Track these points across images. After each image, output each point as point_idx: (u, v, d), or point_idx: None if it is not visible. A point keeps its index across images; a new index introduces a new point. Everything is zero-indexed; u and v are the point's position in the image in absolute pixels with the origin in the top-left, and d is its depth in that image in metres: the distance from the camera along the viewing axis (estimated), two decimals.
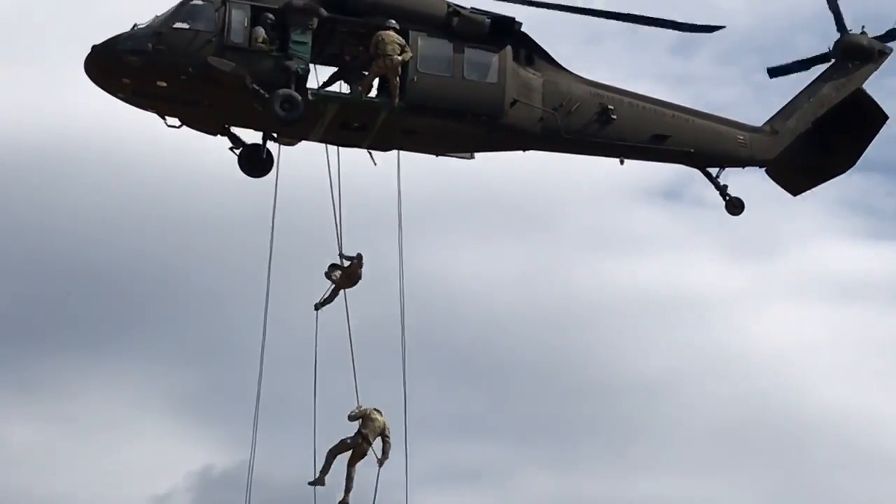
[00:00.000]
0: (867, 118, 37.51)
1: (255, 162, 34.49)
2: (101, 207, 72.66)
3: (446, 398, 79.76)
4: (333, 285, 34.23)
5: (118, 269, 76.14)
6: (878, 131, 37.49)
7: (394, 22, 33.11)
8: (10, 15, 70.37)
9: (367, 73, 33.64)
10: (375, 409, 33.44)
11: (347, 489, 33.15)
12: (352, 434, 33.21)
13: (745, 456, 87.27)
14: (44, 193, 75.26)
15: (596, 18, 36.15)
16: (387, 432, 33.42)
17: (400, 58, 32.93)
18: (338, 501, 32.89)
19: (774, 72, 39.02)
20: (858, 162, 37.47)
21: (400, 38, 33.11)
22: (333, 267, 34.26)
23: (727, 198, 37.32)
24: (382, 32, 33.02)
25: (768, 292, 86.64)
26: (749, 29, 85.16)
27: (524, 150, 35.65)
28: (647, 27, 35.85)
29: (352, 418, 33.20)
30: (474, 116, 34.20)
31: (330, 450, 33.14)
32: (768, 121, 37.75)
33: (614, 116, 35.52)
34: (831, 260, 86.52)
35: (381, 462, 33.07)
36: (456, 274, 77.84)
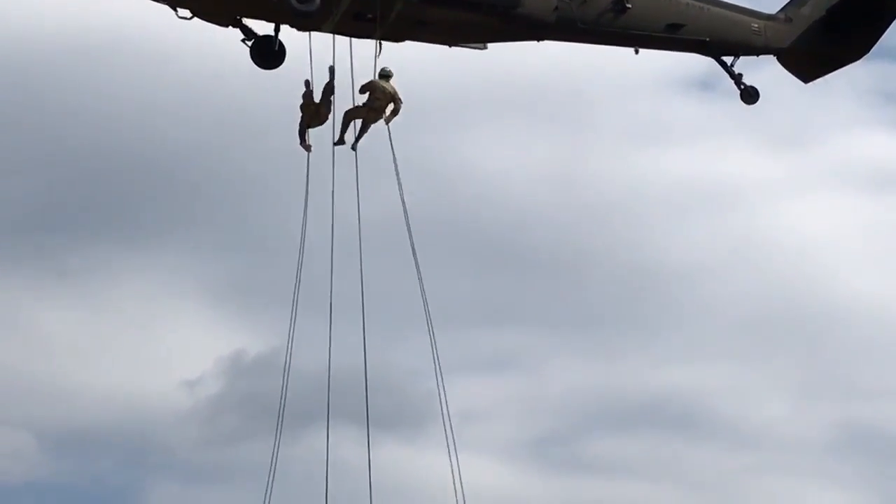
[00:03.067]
0: (881, 6, 37.42)
1: (267, 53, 34.48)
2: (137, 100, 72.86)
3: (479, 287, 79.93)
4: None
5: (157, 163, 76.40)
6: (893, 20, 37.41)
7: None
8: None
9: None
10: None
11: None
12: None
13: (775, 344, 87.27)
14: (82, 87, 75.52)
15: None
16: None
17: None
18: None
19: None
20: (886, 50, 37.33)
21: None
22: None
23: (742, 86, 37.33)
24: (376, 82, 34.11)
25: (802, 183, 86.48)
26: None
27: (539, 40, 35.56)
28: None
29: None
30: (489, 6, 34.06)
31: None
32: (782, 8, 37.67)
33: (629, 5, 35.44)
34: (865, 150, 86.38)
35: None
36: (490, 167, 77.92)
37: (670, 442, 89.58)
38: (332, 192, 33.77)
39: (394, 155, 34.41)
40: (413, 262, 34.35)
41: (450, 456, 31.46)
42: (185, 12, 33.39)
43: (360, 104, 34.25)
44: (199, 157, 76.45)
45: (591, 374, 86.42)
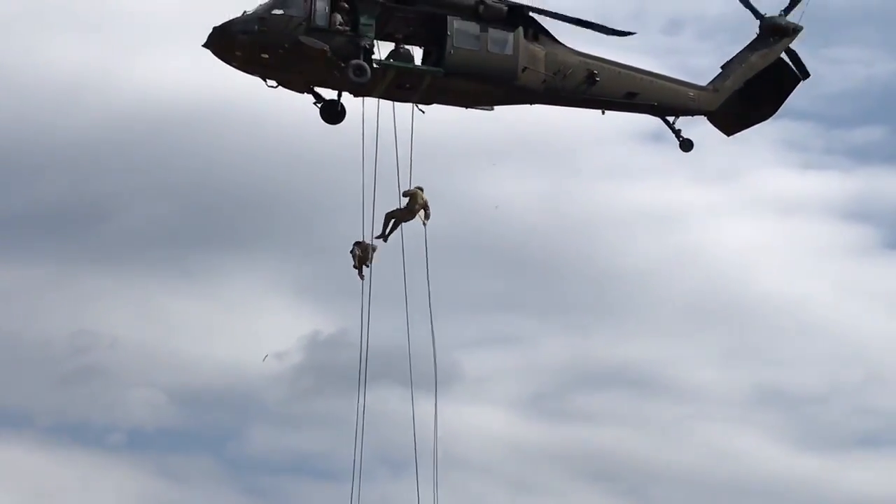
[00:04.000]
0: (784, 80, 37.36)
1: (332, 113, 34.52)
2: (242, 147, 73.27)
3: (489, 284, 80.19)
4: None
5: (256, 193, 76.89)
6: (792, 89, 37.38)
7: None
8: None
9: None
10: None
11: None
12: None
13: (708, 326, 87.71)
14: (203, 137, 76.13)
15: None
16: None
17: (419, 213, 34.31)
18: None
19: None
20: (791, 111, 37.28)
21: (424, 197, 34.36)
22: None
23: (680, 139, 37.14)
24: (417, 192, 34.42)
25: (728, 208, 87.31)
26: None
27: (531, 104, 35.54)
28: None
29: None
30: (495, 79, 34.05)
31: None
32: (710, 82, 37.44)
33: (598, 79, 35.35)
34: (774, 185, 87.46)
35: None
36: (496, 196, 78.50)
37: (631, 398, 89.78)
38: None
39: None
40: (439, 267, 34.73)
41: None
42: (272, 83, 33.53)
43: (401, 207, 34.43)
44: (286, 189, 76.75)
45: (573, 348, 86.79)
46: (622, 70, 35.97)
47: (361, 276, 33.57)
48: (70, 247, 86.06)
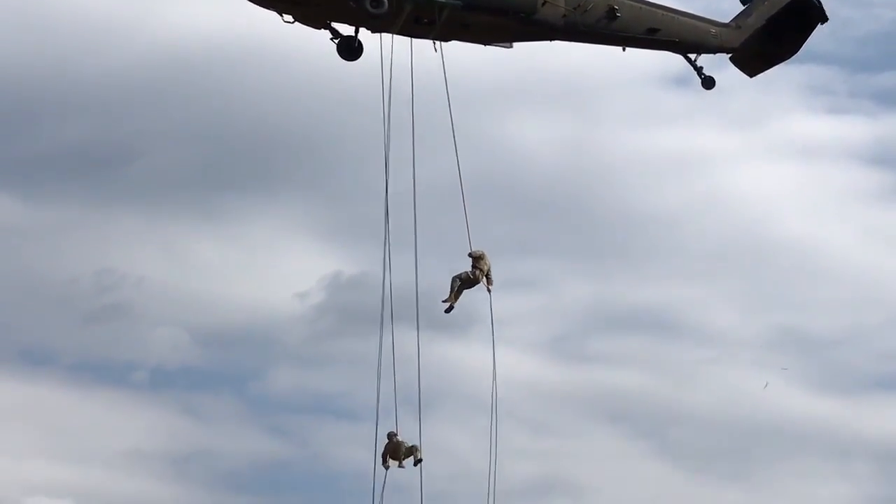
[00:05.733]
0: (807, 17, 36.76)
1: (350, 49, 33.97)
2: (264, 88, 73.02)
3: (512, 227, 79.88)
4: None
5: (281, 136, 76.77)
6: (815, 27, 36.82)
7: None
8: None
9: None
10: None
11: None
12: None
13: (729, 270, 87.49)
14: (227, 79, 75.88)
15: None
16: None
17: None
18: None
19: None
20: (816, 55, 36.62)
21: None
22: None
23: (702, 76, 36.62)
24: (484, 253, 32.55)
25: (752, 153, 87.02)
26: None
27: (550, 40, 34.98)
28: None
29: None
30: (514, 12, 33.47)
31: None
32: (733, 19, 36.91)
33: (619, 14, 34.76)
34: (798, 129, 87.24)
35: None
36: (522, 140, 78.27)
37: (652, 341, 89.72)
38: (413, 161, 33.44)
39: (452, 127, 33.85)
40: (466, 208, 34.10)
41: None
42: (289, 18, 33.10)
43: (469, 270, 32.39)
44: (310, 131, 76.68)
45: (594, 292, 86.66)
46: (643, 6, 35.43)
47: (385, 466, 29.48)
48: (95, 188, 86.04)
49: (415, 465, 28.74)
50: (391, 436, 28.53)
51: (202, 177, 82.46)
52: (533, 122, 78.93)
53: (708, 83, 36.73)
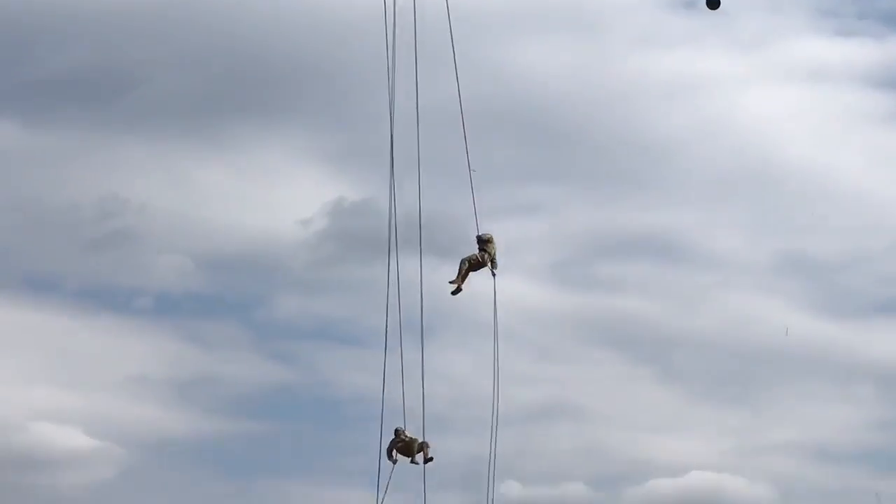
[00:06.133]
0: None
1: None
2: (267, 12, 72.76)
3: (516, 152, 79.70)
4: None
5: (283, 60, 76.92)
6: None
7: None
8: None
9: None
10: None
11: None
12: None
13: (734, 194, 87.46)
14: (228, 5, 75.68)
15: None
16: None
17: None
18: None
19: None
20: None
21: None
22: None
23: None
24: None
25: (760, 76, 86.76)
26: None
27: None
28: None
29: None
30: None
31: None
32: None
33: None
34: (807, 52, 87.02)
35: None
36: (527, 63, 77.98)
37: (656, 266, 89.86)
38: (416, 84, 32.13)
39: (454, 50, 33.20)
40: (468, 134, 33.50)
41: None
42: None
43: (477, 253, 30.58)
44: (313, 57, 76.40)
45: (598, 216, 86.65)
46: None
47: (392, 461, 28.36)
48: (98, 113, 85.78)
49: (424, 462, 28.11)
50: (398, 432, 27.90)
51: (206, 103, 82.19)
52: (538, 47, 78.51)
53: (712, 4, 36.14)
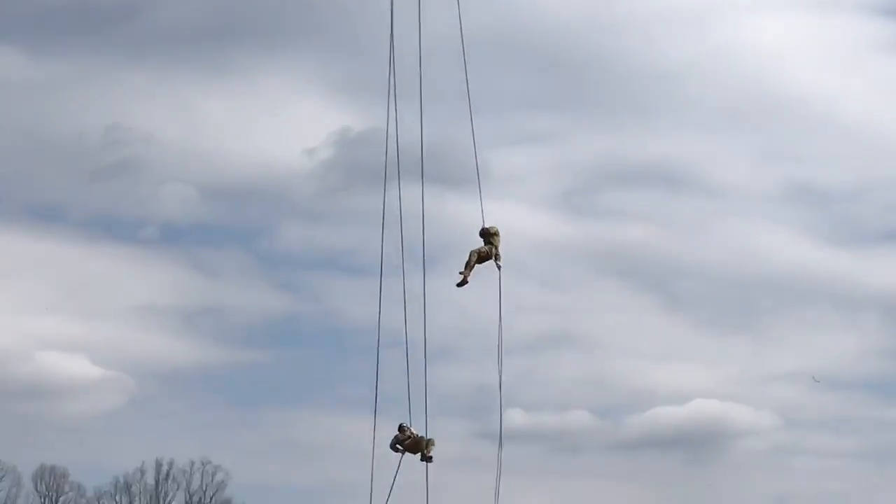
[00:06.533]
0: None
1: None
2: None
3: (523, 81, 79.37)
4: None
5: None
6: None
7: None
8: None
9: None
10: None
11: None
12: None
13: (741, 123, 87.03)
14: None
15: None
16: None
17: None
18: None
19: None
20: None
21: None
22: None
23: None
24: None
25: (764, 4, 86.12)
26: None
27: None
28: None
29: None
30: None
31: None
32: None
33: None
34: None
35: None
36: None
37: (661, 195, 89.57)
38: (419, 13, 31.57)
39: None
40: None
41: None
42: None
43: (484, 245, 29.20)
44: None
45: (605, 146, 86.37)
46: None
47: (397, 450, 27.73)
48: (103, 43, 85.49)
49: (422, 459, 28.16)
50: (402, 428, 27.92)
51: (211, 31, 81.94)
52: None
53: None
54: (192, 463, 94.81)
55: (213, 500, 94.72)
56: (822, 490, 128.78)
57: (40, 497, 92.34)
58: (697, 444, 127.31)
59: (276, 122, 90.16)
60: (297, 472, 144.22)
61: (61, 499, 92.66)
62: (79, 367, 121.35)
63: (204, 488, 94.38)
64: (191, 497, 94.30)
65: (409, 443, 27.36)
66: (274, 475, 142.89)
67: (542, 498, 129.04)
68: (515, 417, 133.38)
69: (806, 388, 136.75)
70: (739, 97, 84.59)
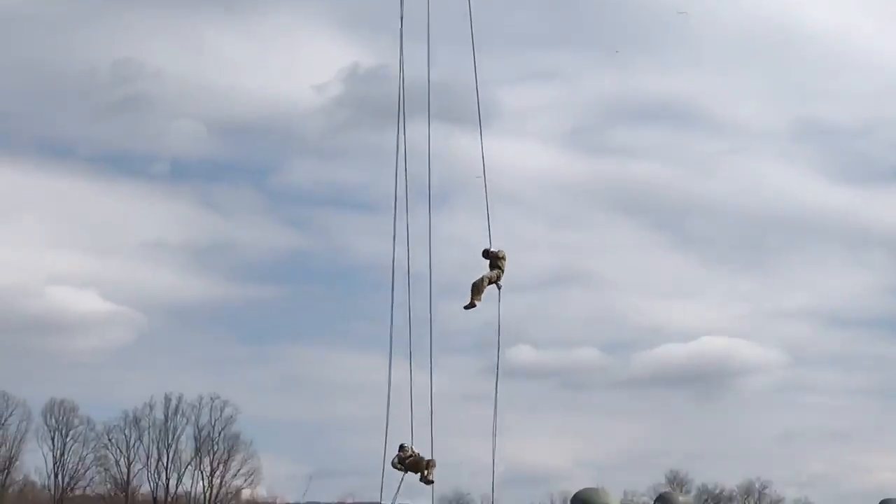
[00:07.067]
0: None
1: None
2: None
3: (534, 17, 78.92)
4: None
5: None
6: None
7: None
8: None
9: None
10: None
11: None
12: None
13: (750, 60, 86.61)
14: None
15: None
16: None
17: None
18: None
19: None
20: None
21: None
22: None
23: None
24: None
25: None
26: None
27: None
28: None
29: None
30: None
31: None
32: None
33: None
34: None
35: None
36: None
37: (671, 132, 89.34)
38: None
39: None
40: None
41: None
42: None
43: (492, 272, 27.93)
44: None
45: (615, 83, 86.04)
46: None
47: (398, 468, 27.51)
48: None
49: (421, 480, 28.19)
50: (403, 448, 27.94)
51: None
52: None
53: None
54: (201, 398, 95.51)
55: (222, 435, 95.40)
56: (829, 426, 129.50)
57: (50, 431, 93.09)
58: (705, 381, 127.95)
59: (286, 59, 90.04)
60: (304, 407, 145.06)
61: (71, 433, 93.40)
62: (89, 303, 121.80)
63: (213, 423, 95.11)
64: (199, 431, 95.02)
65: (410, 462, 27.42)
66: (282, 410, 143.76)
67: (550, 433, 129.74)
68: (524, 354, 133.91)
69: (815, 325, 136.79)
70: (750, 34, 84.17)
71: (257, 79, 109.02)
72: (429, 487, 27.57)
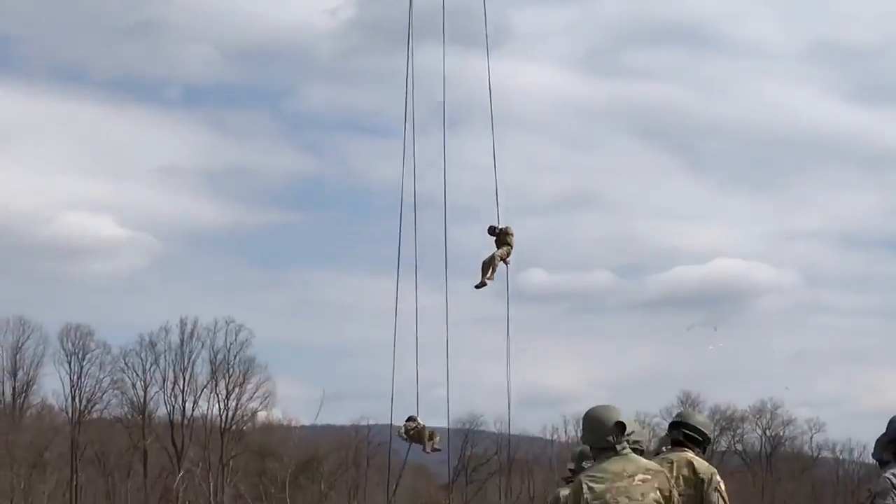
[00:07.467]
0: None
1: None
2: None
3: None
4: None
5: None
6: None
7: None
8: None
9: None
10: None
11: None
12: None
13: None
14: None
15: None
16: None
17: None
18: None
19: None
20: None
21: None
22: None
23: None
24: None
25: None
26: None
27: None
28: None
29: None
30: None
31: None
32: None
33: None
34: None
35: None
36: None
37: (686, 54, 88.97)
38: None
39: None
40: None
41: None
42: None
43: (502, 251, 28.00)
44: None
45: (628, 4, 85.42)
46: None
47: (404, 438, 28.55)
48: None
49: (424, 450, 28.63)
50: (411, 419, 28.43)
51: None
52: None
53: None
54: (216, 322, 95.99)
55: (237, 358, 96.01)
56: (843, 347, 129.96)
57: (66, 355, 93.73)
58: (719, 303, 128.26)
59: None
60: (319, 332, 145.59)
61: (87, 357, 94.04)
62: (104, 228, 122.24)
63: (228, 346, 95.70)
64: (215, 355, 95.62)
65: (414, 433, 28.04)
66: (297, 334, 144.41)
67: (563, 356, 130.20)
68: (537, 277, 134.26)
69: (829, 246, 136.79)
70: None
71: (270, 3, 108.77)
72: (443, 412, 28.00)
